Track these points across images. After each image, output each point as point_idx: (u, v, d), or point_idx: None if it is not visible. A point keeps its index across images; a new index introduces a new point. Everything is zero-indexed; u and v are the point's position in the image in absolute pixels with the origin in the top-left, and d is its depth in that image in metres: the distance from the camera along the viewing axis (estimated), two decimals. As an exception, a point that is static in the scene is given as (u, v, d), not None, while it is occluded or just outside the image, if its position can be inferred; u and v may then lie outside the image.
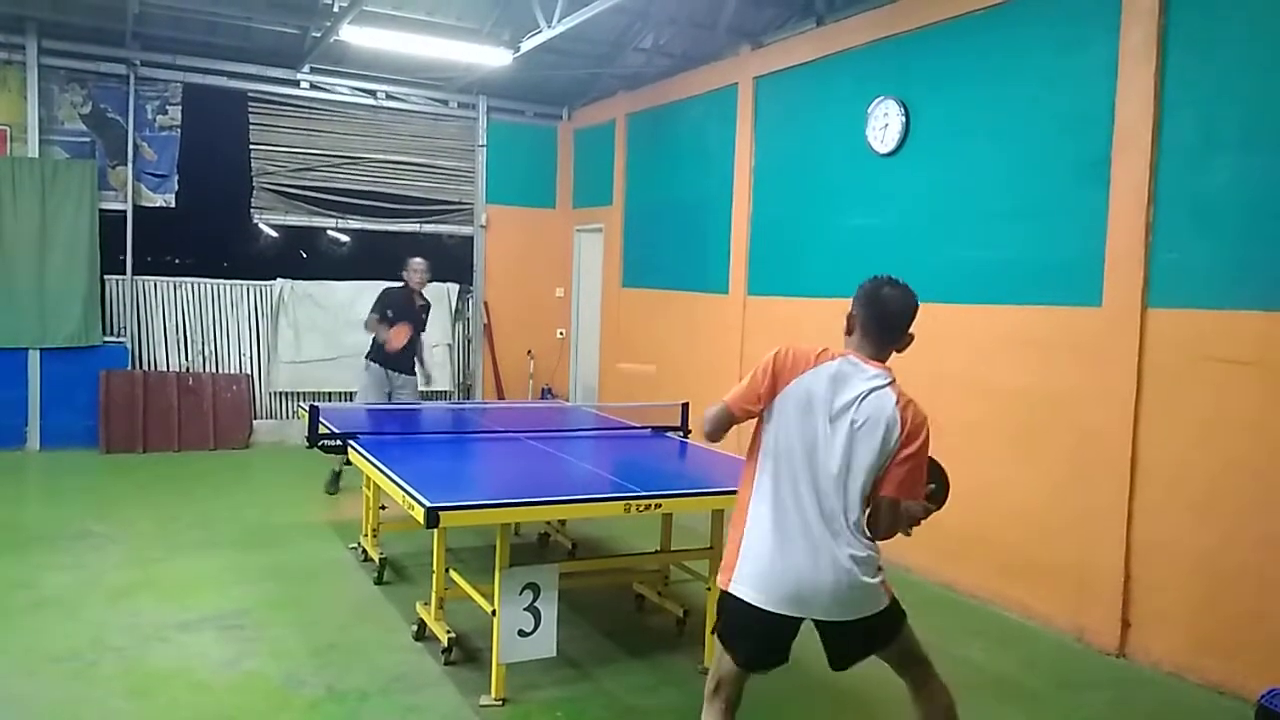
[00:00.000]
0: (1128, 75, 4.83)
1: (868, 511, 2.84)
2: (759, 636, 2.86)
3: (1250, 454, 4.30)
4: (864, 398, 2.80)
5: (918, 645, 2.98)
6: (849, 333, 2.97)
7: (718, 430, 2.98)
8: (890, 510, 2.83)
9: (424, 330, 7.80)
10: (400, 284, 7.66)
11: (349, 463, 5.08)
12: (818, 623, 2.88)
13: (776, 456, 2.86)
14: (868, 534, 2.84)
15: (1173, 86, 4.66)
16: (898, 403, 2.81)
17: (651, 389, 8.82)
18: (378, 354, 7.48)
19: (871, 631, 2.89)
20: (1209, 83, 4.52)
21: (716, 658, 2.99)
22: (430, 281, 7.83)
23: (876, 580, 2.84)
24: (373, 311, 7.47)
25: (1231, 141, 4.43)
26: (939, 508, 3.02)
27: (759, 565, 2.81)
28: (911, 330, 2.97)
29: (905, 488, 2.83)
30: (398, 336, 7.28)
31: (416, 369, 7.75)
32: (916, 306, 2.98)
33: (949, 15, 5.93)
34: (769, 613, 2.79)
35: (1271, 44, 4.29)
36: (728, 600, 2.88)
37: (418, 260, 7.68)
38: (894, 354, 2.95)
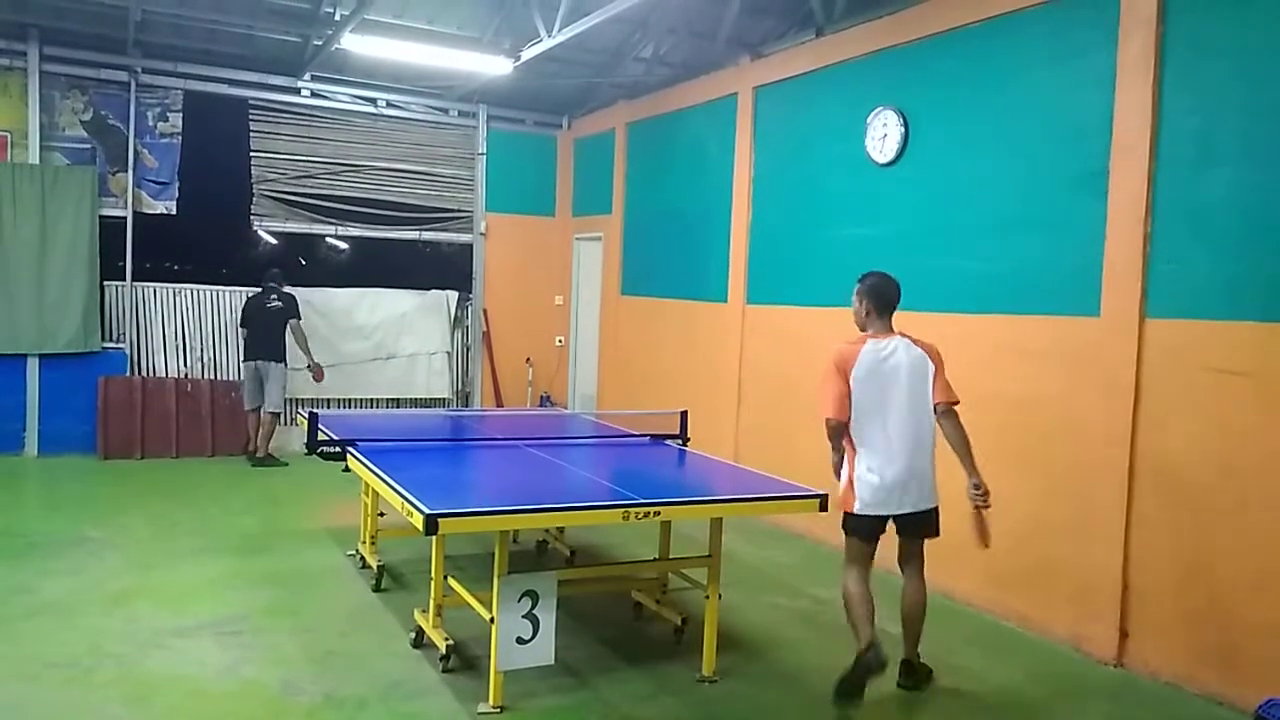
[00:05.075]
0: (1126, 86, 4.85)
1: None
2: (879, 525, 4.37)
3: (1247, 464, 4.31)
4: (900, 358, 4.31)
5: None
6: (867, 315, 4.43)
7: (838, 436, 4.36)
8: (946, 413, 4.32)
9: (296, 318, 9.18)
10: (258, 290, 9.17)
11: (347, 466, 5.09)
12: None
13: (867, 414, 4.27)
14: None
15: (1171, 98, 4.68)
16: (919, 345, 4.38)
17: (652, 396, 8.84)
18: (245, 354, 9.11)
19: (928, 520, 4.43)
20: (1207, 94, 4.54)
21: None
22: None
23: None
24: (241, 325, 9.27)
25: (1229, 153, 4.45)
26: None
27: (874, 484, 4.27)
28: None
29: (947, 392, 4.33)
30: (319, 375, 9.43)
31: (296, 354, 9.22)
32: (899, 286, 4.49)
33: (948, 26, 5.96)
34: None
35: (1270, 56, 4.31)
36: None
37: (275, 271, 9.33)
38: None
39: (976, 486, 4.31)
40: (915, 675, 4.47)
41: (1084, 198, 5.09)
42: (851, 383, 4.24)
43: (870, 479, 4.25)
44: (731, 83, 8.16)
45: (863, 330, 4.43)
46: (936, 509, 4.40)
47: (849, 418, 4.26)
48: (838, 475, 4.40)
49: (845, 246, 6.84)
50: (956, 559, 5.77)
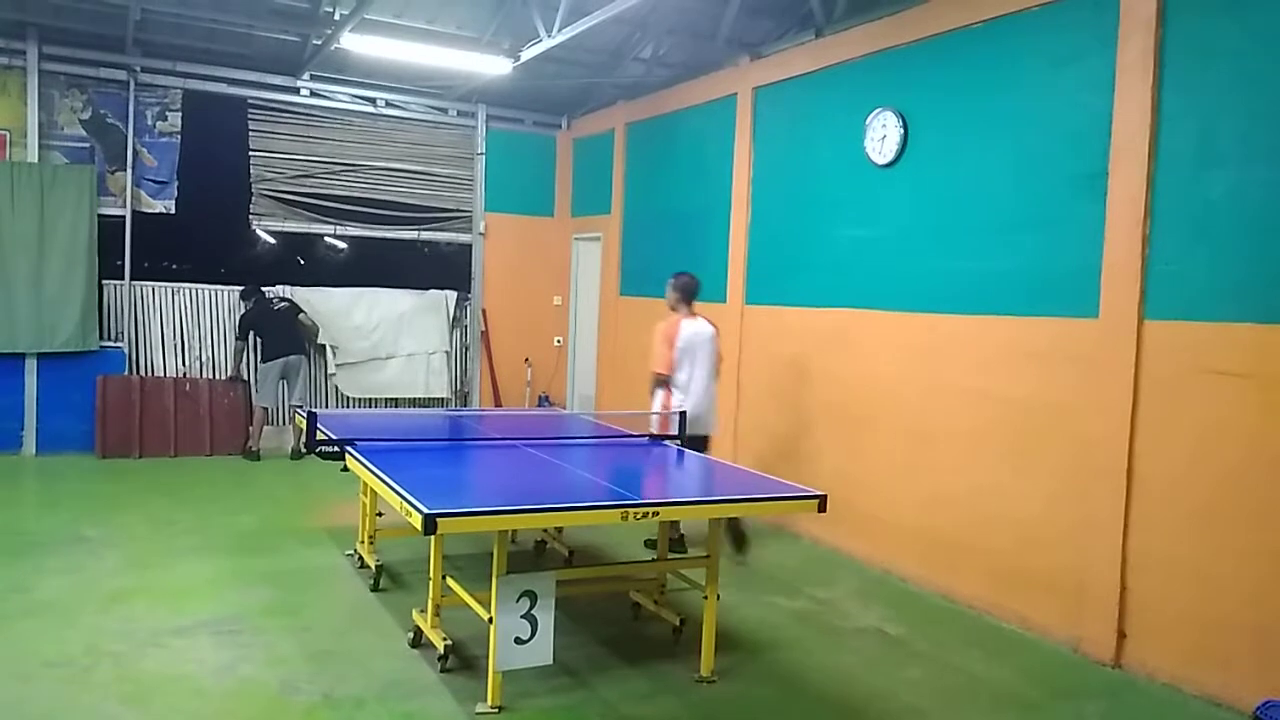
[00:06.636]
0: (1125, 88, 4.86)
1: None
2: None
3: (1246, 465, 4.31)
4: (704, 332, 6.40)
5: None
6: (680, 302, 6.45)
7: (662, 384, 6.33)
8: (718, 368, 6.56)
9: (300, 311, 9.69)
10: (250, 300, 9.36)
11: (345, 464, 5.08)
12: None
13: (685, 368, 6.31)
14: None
15: (1170, 100, 4.68)
16: (710, 323, 6.48)
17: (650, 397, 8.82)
18: (265, 355, 9.28)
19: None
20: (1206, 96, 4.55)
21: None
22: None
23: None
24: (240, 338, 9.38)
25: (1229, 155, 4.45)
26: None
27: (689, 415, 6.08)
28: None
29: (720, 355, 6.58)
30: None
31: (311, 346, 9.77)
32: (700, 284, 6.60)
33: (948, 28, 5.96)
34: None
35: (1269, 57, 4.32)
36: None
37: (250, 287, 9.56)
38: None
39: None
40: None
41: (1083, 199, 5.09)
42: (675, 347, 6.26)
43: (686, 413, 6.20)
44: (731, 83, 8.16)
45: (674, 311, 6.45)
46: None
47: (672, 372, 6.27)
48: (652, 395, 6.50)
49: (844, 247, 6.84)
50: (958, 562, 5.78)
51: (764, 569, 6.30)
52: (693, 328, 6.34)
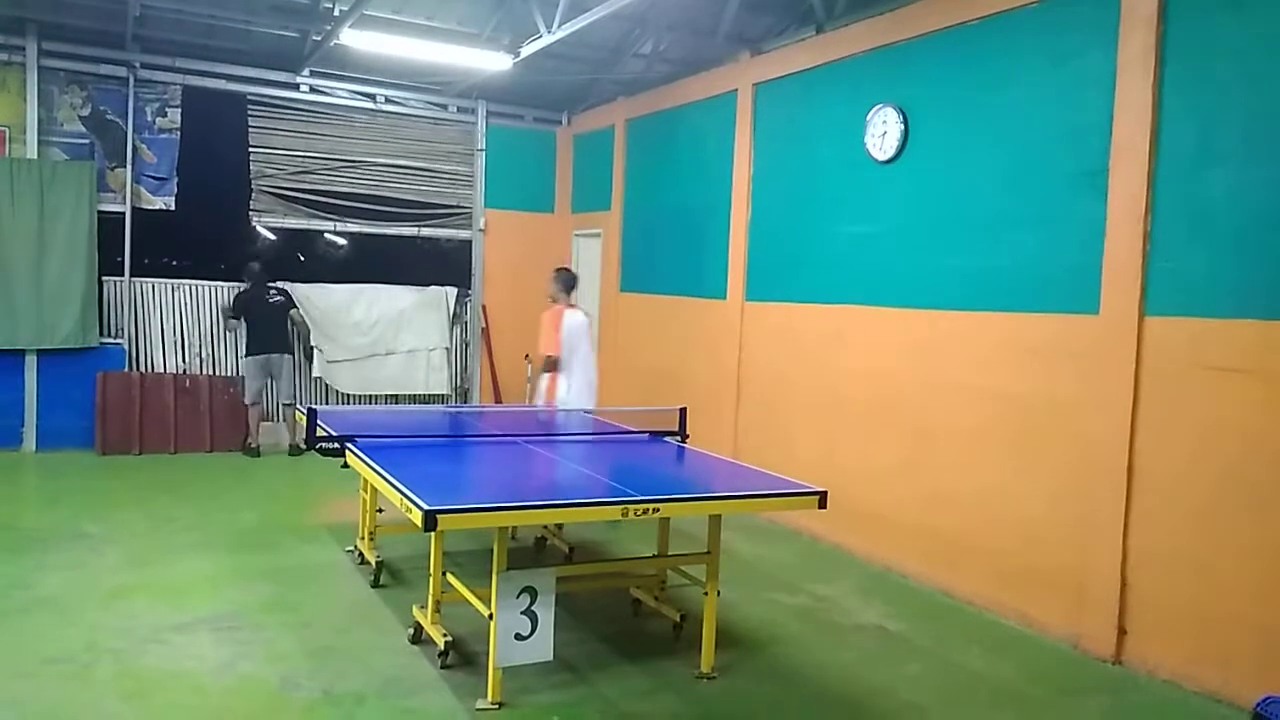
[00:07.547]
0: (1126, 85, 4.85)
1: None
2: None
3: (1247, 462, 4.31)
4: (582, 321, 7.09)
5: None
6: (561, 293, 7.14)
7: (555, 366, 7.03)
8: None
9: (295, 308, 9.59)
10: (247, 284, 9.32)
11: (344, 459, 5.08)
12: None
13: (570, 352, 6.98)
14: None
15: (1171, 97, 4.68)
16: (587, 316, 7.22)
17: (650, 394, 8.83)
18: (250, 349, 9.21)
19: None
20: (1207, 93, 4.54)
21: None
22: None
23: None
24: (233, 317, 9.36)
25: (1229, 152, 4.44)
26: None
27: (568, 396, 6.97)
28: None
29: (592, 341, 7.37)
30: None
31: (299, 346, 9.73)
32: (578, 279, 7.41)
33: (949, 23, 5.95)
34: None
35: (1270, 55, 4.31)
36: None
37: (255, 266, 9.47)
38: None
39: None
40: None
41: (1084, 195, 5.08)
42: (561, 333, 6.96)
43: (567, 394, 6.96)
44: (731, 79, 8.15)
45: (555, 302, 7.19)
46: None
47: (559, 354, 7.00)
48: (534, 387, 7.40)
49: (844, 244, 6.84)
50: (958, 558, 5.78)
51: (764, 566, 6.31)
52: (573, 317, 7.04)
